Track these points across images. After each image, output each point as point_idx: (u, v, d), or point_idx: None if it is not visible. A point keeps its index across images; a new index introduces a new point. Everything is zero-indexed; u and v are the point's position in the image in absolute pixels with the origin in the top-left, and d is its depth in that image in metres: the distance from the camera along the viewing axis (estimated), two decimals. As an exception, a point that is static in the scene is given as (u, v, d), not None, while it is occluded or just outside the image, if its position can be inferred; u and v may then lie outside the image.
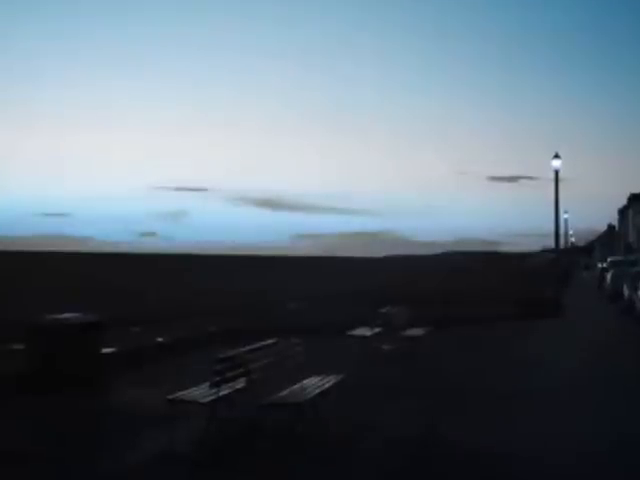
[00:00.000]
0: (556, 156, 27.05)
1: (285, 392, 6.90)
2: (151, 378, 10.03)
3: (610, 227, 72.40)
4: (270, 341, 7.39)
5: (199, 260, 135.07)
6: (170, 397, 6.55)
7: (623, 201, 72.44)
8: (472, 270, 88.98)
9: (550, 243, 30.93)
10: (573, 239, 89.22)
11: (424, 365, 11.77)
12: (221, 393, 6.39)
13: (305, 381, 7.33)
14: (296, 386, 7.10)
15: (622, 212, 74.46)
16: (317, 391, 6.95)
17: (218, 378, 6.25)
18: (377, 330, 12.72)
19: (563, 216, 53.70)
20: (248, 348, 6.86)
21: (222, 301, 27.29)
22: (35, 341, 9.10)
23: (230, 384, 6.57)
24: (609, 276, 31.60)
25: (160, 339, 14.16)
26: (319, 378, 7.51)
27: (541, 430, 6.95)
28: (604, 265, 40.85)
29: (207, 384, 6.52)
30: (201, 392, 6.59)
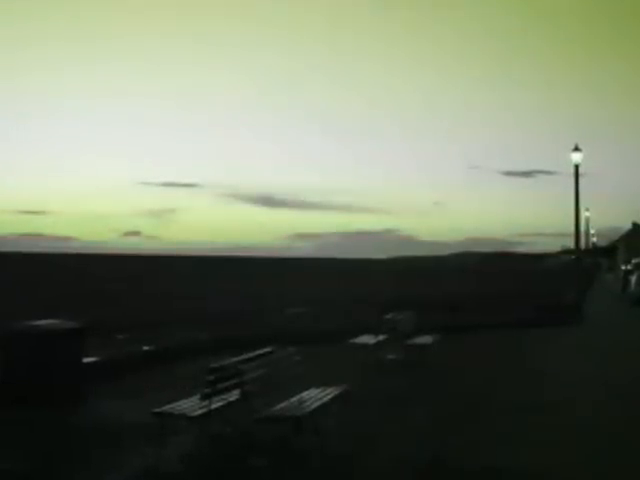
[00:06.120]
0: (576, 149, 27.00)
1: (282, 405, 6.91)
2: (136, 389, 10.04)
3: (635, 226, 72.29)
4: (266, 350, 7.39)
5: (188, 262, 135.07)
6: (157, 410, 6.55)
7: (649, 198, 72.48)
8: (485, 272, 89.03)
9: (570, 243, 30.88)
10: (595, 239, 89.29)
11: (432, 376, 11.78)
12: (213, 406, 6.39)
13: (304, 393, 7.34)
14: (294, 399, 7.10)
15: (648, 210, 74.47)
16: (317, 404, 6.96)
17: (209, 390, 6.25)
18: (381, 338, 12.72)
19: (584, 214, 53.62)
20: (242, 357, 6.86)
21: (214, 306, 27.29)
22: (11, 349, 9.10)
23: (222, 396, 6.57)
24: (634, 279, 31.62)
25: (146, 347, 14.17)
26: (319, 390, 7.52)
27: (558, 446, 6.97)
28: (628, 267, 40.87)
29: (197, 396, 6.52)
30: (191, 405, 6.59)
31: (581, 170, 27.42)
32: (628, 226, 71.80)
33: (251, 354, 7.06)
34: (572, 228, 27.94)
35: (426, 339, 13.24)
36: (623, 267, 48.00)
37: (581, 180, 27.46)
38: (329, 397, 7.29)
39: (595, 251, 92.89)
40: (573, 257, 38.74)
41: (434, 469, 6.27)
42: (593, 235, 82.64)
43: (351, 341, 12.90)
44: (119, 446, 7.00)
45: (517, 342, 16.94)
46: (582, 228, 37.92)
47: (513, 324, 20.30)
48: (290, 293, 38.10)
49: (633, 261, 40.05)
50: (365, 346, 12.58)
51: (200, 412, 6.38)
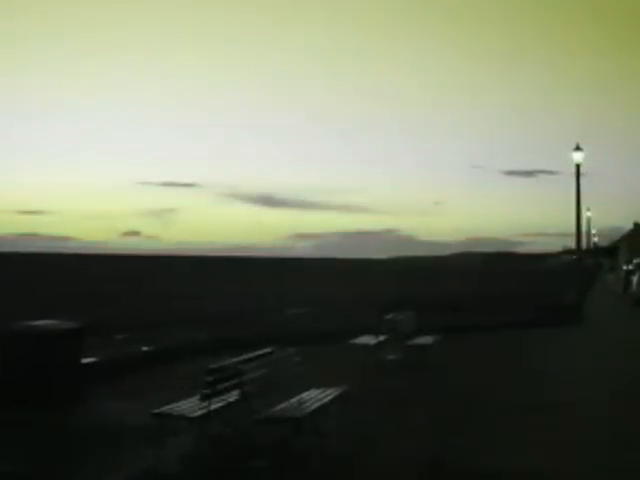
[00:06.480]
0: (577, 148, 26.97)
1: (282, 406, 6.91)
2: (135, 390, 10.04)
3: (637, 226, 72.21)
4: (266, 350, 7.39)
5: (187, 262, 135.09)
6: (156, 411, 6.55)
7: (651, 197, 72.41)
8: (486, 272, 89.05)
9: (571, 243, 30.90)
10: (596, 239, 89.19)
11: (433, 377, 11.78)
12: (212, 407, 6.39)
13: (304, 394, 7.34)
14: (294, 399, 7.11)
15: (650, 209, 74.32)
16: (317, 405, 6.96)
17: (209, 391, 6.26)
18: (382, 338, 12.72)
19: (585, 214, 53.63)
20: (242, 358, 6.87)
21: (214, 306, 27.30)
22: (10, 350, 9.10)
23: (222, 397, 6.58)
24: (635, 279, 31.68)
25: (145, 348, 14.16)
26: (319, 391, 7.52)
27: (559, 446, 6.97)
28: (629, 267, 40.92)
29: (197, 397, 6.52)
30: (190, 406, 6.59)
31: (582, 170, 27.39)
32: (630, 226, 71.65)
33: (251, 354, 7.07)
34: (573, 228, 27.93)
35: (427, 339, 13.23)
36: (624, 267, 48.03)
37: (582, 180, 27.45)
38: (329, 398, 7.29)
39: (596, 251, 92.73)
40: (574, 257, 38.72)
41: (434, 470, 6.27)
42: (594, 235, 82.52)
43: (351, 341, 12.89)
44: (119, 447, 7.01)
45: (518, 342, 16.94)
46: (583, 228, 37.94)
47: (514, 324, 20.31)
48: (290, 293, 38.11)
49: (634, 261, 40.09)
50: (365, 346, 12.58)
51: (200, 413, 6.38)
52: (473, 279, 65.39)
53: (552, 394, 10.06)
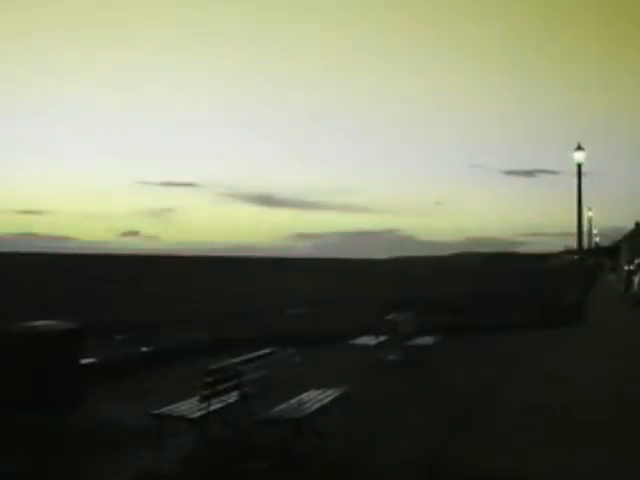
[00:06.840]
0: (579, 148, 26.95)
1: (282, 407, 6.92)
2: (135, 391, 10.05)
3: (638, 225, 72.21)
4: (265, 351, 7.40)
5: (187, 262, 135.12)
6: (155, 412, 6.56)
7: (652, 197, 72.30)
8: (486, 272, 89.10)
9: (572, 243, 30.95)
10: (598, 239, 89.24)
11: (433, 377, 11.78)
12: (211, 408, 6.40)
13: (303, 395, 7.34)
14: (294, 400, 7.11)
15: (651, 209, 74.29)
16: (316, 406, 6.97)
17: (208, 392, 6.26)
18: (382, 339, 12.73)
19: (587, 214, 53.66)
20: (241, 359, 6.87)
21: (213, 307, 27.30)
22: (8, 350, 9.10)
23: (221, 398, 6.58)
24: (636, 279, 31.70)
25: (145, 348, 14.16)
26: (319, 392, 7.53)
27: (559, 448, 6.97)
28: (631, 267, 40.96)
29: (196, 398, 6.53)
30: (190, 407, 6.60)
31: (584, 169, 27.32)
32: (631, 226, 71.65)
33: (250, 355, 7.07)
34: (575, 228, 27.91)
35: (427, 340, 13.24)
36: (626, 267, 48.06)
37: (584, 179, 27.38)
38: (329, 399, 7.30)
39: (598, 251, 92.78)
40: (575, 257, 38.73)
41: (434, 471, 6.28)
42: (596, 235, 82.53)
43: (351, 342, 12.90)
44: (118, 448, 7.01)
45: (518, 343, 16.94)
46: (585, 228, 37.97)
47: (514, 325, 20.31)
48: (290, 293, 38.11)
49: (636, 261, 40.13)
50: (366, 347, 12.59)
51: (199, 414, 6.39)
52: (473, 279, 65.42)
53: (552, 395, 10.06)
